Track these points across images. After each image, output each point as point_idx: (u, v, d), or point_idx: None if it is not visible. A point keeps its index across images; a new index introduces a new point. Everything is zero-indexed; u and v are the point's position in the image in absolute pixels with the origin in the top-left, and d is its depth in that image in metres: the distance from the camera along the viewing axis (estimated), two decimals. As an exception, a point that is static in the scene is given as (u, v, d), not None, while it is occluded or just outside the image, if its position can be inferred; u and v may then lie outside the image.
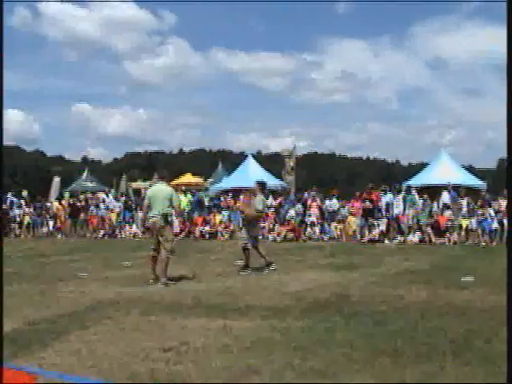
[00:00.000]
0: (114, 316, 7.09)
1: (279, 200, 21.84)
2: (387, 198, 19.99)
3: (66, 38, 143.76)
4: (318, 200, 20.75)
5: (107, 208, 24.38)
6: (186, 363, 5.01)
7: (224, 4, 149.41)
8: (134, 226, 22.62)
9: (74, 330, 6.36)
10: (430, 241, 17.22)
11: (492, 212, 17.45)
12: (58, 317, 7.14)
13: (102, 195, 26.54)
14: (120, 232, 22.91)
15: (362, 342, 5.58)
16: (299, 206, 20.59)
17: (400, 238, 17.99)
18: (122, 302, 8.13)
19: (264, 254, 11.32)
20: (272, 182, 28.49)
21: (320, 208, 20.39)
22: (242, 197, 13.46)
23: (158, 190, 10.36)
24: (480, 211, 17.66)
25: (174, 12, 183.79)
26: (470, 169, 43.84)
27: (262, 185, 11.99)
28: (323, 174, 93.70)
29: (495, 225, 17.30)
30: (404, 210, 18.76)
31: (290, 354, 5.21)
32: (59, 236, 23.85)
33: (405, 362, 4.91)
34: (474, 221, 17.51)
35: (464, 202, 18.27)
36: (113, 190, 30.70)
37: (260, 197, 11.51)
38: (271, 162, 56.59)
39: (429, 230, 17.50)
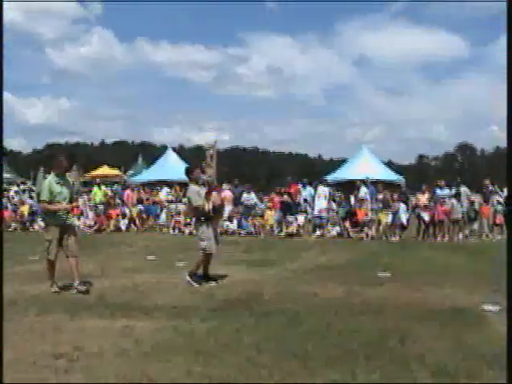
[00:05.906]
0: (10, 318, 6.43)
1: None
2: (307, 192, 19.96)
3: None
4: (231, 193, 20.17)
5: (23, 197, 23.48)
6: (75, 373, 4.51)
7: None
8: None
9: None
10: (349, 235, 17.17)
11: (404, 206, 17.47)
12: None
13: (13, 188, 25.59)
14: (32, 225, 21.90)
15: (271, 345, 5.24)
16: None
17: (318, 232, 17.83)
18: (21, 301, 7.48)
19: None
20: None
21: (235, 202, 19.93)
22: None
23: None
24: (393, 205, 17.65)
25: (100, 1, 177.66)
26: (390, 164, 44.70)
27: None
28: (245, 168, 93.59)
29: (404, 219, 17.35)
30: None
31: (192, 359, 4.80)
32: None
33: (314, 367, 4.60)
34: (390, 215, 17.48)
35: (380, 196, 18.23)
36: (29, 182, 29.66)
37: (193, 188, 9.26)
38: (194, 155, 55.96)
39: (347, 224, 17.45)
